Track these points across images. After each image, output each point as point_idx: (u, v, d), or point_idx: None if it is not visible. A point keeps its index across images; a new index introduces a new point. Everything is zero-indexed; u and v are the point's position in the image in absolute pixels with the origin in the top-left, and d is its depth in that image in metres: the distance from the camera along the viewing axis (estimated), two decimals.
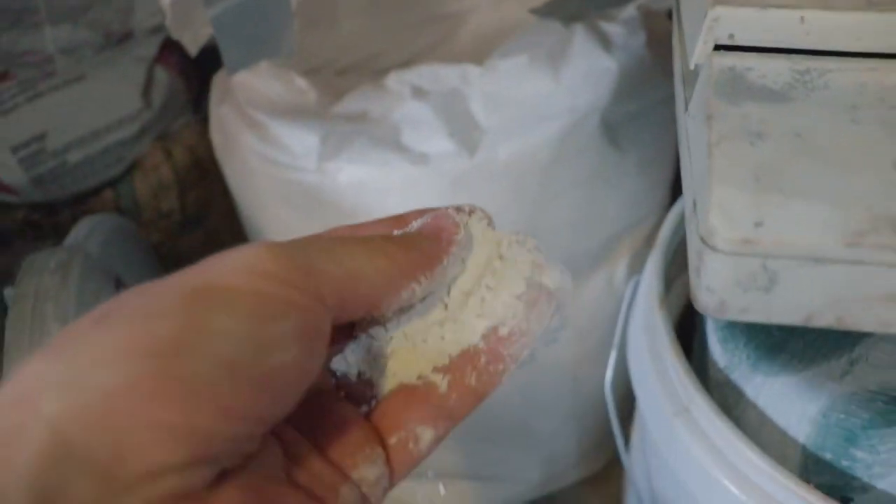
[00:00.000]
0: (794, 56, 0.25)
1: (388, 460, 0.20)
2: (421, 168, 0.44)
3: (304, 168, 0.45)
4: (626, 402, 0.49)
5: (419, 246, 0.20)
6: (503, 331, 0.20)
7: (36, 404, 0.15)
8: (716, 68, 0.24)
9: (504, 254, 0.22)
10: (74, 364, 0.15)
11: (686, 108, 0.26)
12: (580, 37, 0.45)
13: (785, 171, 0.21)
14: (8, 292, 0.45)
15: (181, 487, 0.15)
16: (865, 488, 0.36)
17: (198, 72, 0.71)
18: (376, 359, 0.21)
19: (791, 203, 0.21)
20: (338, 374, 0.21)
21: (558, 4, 0.45)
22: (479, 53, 0.48)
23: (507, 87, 0.44)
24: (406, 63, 0.49)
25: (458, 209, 0.22)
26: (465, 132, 0.44)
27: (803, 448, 0.37)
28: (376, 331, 0.21)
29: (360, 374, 0.21)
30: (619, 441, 0.47)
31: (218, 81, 0.52)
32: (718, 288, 0.21)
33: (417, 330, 0.21)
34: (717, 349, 0.40)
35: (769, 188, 0.21)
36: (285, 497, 0.17)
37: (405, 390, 0.21)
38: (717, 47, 0.25)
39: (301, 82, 0.46)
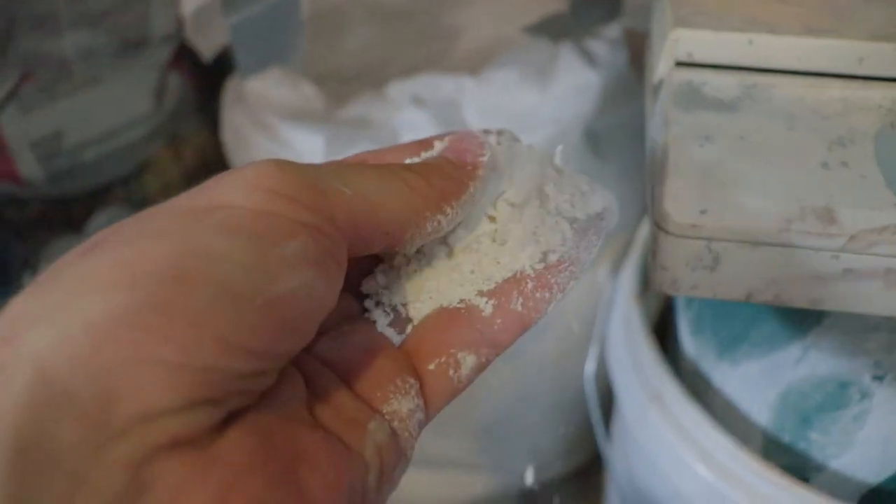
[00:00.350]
0: (743, 72, 0.28)
1: (423, 391, 0.18)
2: None
3: None
4: (606, 396, 0.52)
5: (442, 171, 0.18)
6: (553, 258, 0.19)
7: (19, 342, 0.13)
8: (675, 82, 0.28)
9: (553, 177, 0.20)
10: (59, 295, 0.14)
11: (651, 117, 0.30)
12: (567, 53, 0.48)
13: (728, 168, 0.25)
14: (28, 280, 0.48)
15: (180, 432, 0.13)
16: (821, 468, 0.39)
17: (209, 78, 0.75)
18: (411, 280, 0.19)
19: (732, 194, 0.24)
20: (369, 296, 0.20)
21: (548, 23, 0.49)
22: (475, 66, 0.52)
23: (498, 98, 0.48)
24: (407, 73, 0.53)
25: (486, 131, 0.21)
26: None
27: (764, 431, 0.40)
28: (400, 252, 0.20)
29: (391, 298, 0.20)
30: (600, 429, 0.50)
31: (230, 86, 0.56)
32: (671, 266, 0.25)
33: (460, 251, 0.20)
34: (688, 340, 0.43)
35: (714, 181, 0.24)
36: (302, 439, 0.15)
37: (445, 313, 0.19)
38: (678, 63, 0.29)
39: (309, 88, 0.50)
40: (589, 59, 0.49)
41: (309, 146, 0.49)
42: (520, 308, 0.19)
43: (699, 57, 0.29)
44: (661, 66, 0.30)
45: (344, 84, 0.59)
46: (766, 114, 0.27)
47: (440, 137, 0.21)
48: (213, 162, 0.73)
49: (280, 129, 0.49)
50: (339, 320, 0.19)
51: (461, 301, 0.19)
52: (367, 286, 0.20)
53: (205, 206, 0.15)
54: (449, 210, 0.18)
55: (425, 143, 0.20)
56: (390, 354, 0.19)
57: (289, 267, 0.15)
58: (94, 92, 0.72)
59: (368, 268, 0.20)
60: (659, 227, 0.24)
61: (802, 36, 0.28)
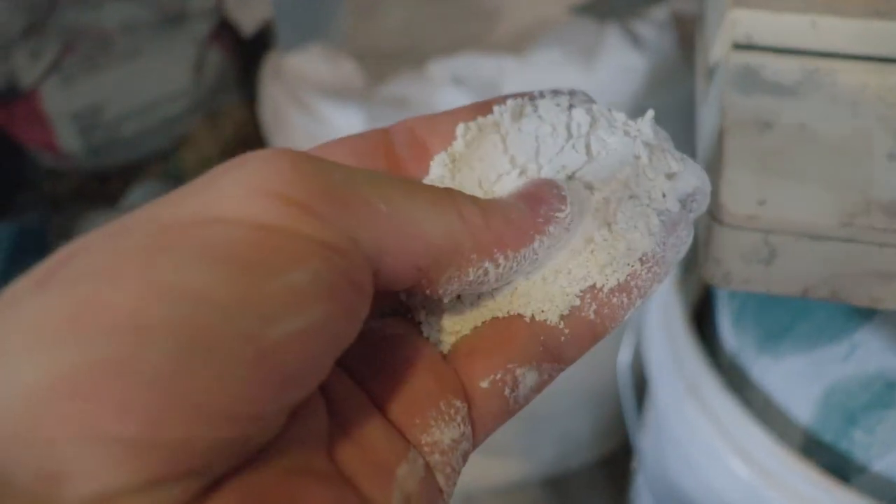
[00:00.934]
0: (804, 56, 0.27)
1: (471, 414, 0.15)
2: None
3: None
4: (639, 385, 0.51)
5: (506, 214, 0.15)
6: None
7: None
8: (732, 65, 0.27)
9: (639, 167, 0.17)
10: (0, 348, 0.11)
11: (705, 100, 0.29)
12: (612, 35, 0.47)
13: (789, 157, 0.24)
14: None
15: None
16: (863, 469, 0.38)
17: (247, 53, 0.75)
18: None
19: (793, 185, 0.23)
20: (406, 303, 0.17)
21: (594, 4, 0.47)
22: (516, 46, 0.51)
23: (541, 80, 0.47)
24: (448, 51, 0.52)
25: (556, 92, 0.18)
26: None
27: (805, 429, 0.39)
28: None
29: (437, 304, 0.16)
30: (632, 419, 0.50)
31: (269, 62, 0.56)
32: (724, 259, 0.24)
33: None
34: (728, 331, 0.42)
35: (773, 171, 0.23)
36: (307, 499, 0.12)
37: (503, 320, 0.16)
38: (735, 46, 0.28)
39: (349, 66, 0.49)
40: (635, 40, 0.48)
41: (347, 123, 0.48)
42: (592, 316, 0.16)
43: (758, 39, 0.28)
44: (717, 48, 0.28)
45: (384, 61, 0.58)
46: (828, 100, 0.26)
47: (501, 100, 0.18)
48: (252, 137, 0.73)
49: (318, 105, 0.49)
50: (381, 320, 0.16)
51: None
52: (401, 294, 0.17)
53: (189, 220, 0.12)
54: (502, 260, 0.15)
55: (483, 107, 0.18)
56: (435, 368, 0.15)
57: (293, 303, 0.12)
58: (134, 65, 0.72)
59: None
60: (713, 217, 0.23)
61: (869, 18, 0.27)
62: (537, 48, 0.48)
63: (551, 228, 0.16)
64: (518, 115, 0.18)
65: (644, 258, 0.16)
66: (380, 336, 0.16)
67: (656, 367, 0.44)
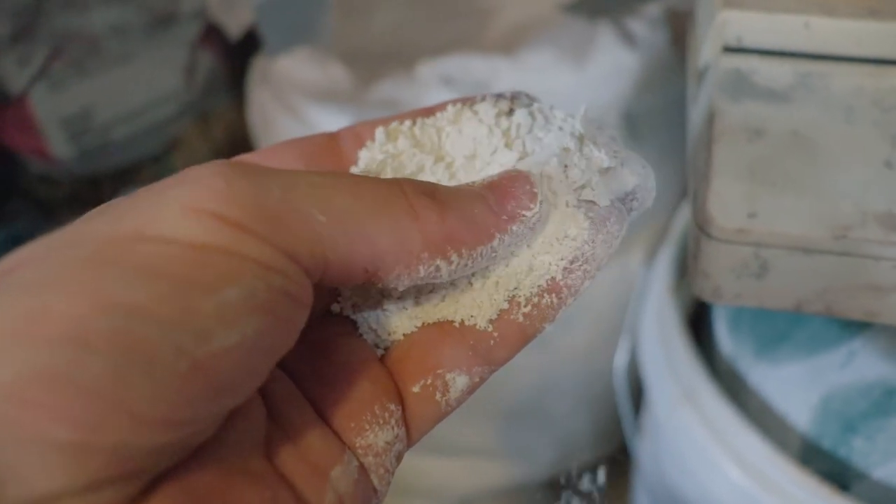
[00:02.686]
0: (797, 59, 0.26)
1: (405, 415, 0.16)
2: None
3: None
4: (636, 388, 0.51)
5: (466, 208, 0.15)
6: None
7: None
8: (722, 68, 0.26)
9: (565, 159, 0.17)
10: None
11: (695, 104, 0.28)
12: (605, 33, 0.46)
13: (780, 167, 0.23)
14: None
15: None
16: (862, 476, 0.37)
17: (239, 54, 0.74)
18: (392, 291, 0.16)
19: (784, 196, 0.22)
20: (344, 310, 0.17)
21: (586, 2, 0.46)
22: (508, 45, 0.50)
23: (532, 79, 0.46)
24: (439, 51, 0.51)
25: (499, 96, 0.18)
26: None
27: (803, 436, 0.38)
28: None
29: (371, 309, 0.17)
30: (629, 424, 0.49)
31: (257, 65, 0.55)
32: (714, 273, 0.23)
33: None
34: (724, 337, 0.41)
35: (764, 181, 0.22)
36: (243, 499, 0.13)
37: (433, 327, 0.16)
38: (726, 49, 0.27)
39: (336, 68, 0.49)
40: (627, 39, 0.47)
41: (335, 127, 0.47)
42: (521, 319, 0.16)
43: (749, 41, 0.27)
44: (706, 51, 0.27)
45: (374, 62, 0.57)
46: (822, 105, 0.25)
47: (442, 106, 0.18)
48: (243, 140, 0.73)
49: (306, 109, 0.48)
50: (320, 325, 0.17)
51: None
52: (336, 306, 0.17)
53: (130, 236, 0.12)
54: (455, 258, 0.15)
55: (427, 112, 0.18)
56: (370, 373, 0.16)
57: (226, 320, 0.12)
58: (124, 69, 0.72)
59: None
60: (702, 230, 0.22)
61: (863, 19, 0.26)
62: (528, 48, 0.47)
63: (515, 227, 0.15)
64: (457, 118, 0.18)
65: (574, 257, 0.16)
66: (320, 338, 0.16)
67: (652, 373, 0.43)
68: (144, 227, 0.13)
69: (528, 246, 0.16)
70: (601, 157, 0.17)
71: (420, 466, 0.64)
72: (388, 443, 0.15)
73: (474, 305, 0.16)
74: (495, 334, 0.16)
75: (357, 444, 0.15)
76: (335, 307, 0.17)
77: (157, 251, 0.12)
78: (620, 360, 0.49)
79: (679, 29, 0.48)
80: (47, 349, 0.11)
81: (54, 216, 0.71)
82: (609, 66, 0.46)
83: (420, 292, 0.17)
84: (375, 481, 0.15)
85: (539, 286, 0.16)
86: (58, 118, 0.69)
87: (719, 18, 0.27)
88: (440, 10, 0.59)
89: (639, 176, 0.17)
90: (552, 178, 0.17)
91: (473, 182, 0.16)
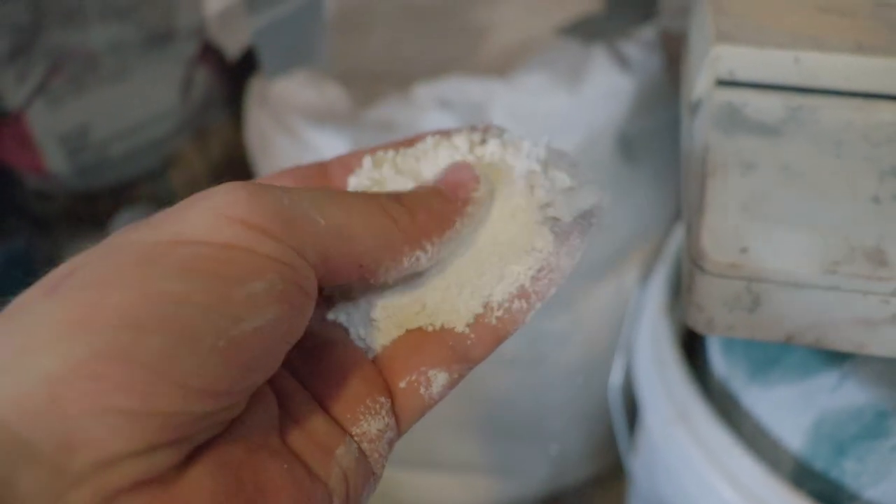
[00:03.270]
0: (788, 93, 0.27)
1: (394, 408, 0.18)
2: None
3: None
4: (632, 406, 0.51)
5: (429, 205, 0.18)
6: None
7: None
8: (716, 102, 0.27)
9: (532, 180, 0.19)
10: (19, 344, 0.14)
11: (689, 136, 0.29)
12: (599, 56, 0.47)
13: (771, 201, 0.23)
14: None
15: (142, 474, 0.14)
16: (854, 498, 0.38)
17: (236, 72, 0.74)
18: (379, 299, 0.19)
19: (775, 231, 0.23)
20: (338, 319, 0.19)
21: (580, 24, 0.47)
22: (505, 66, 0.51)
23: (527, 102, 0.46)
24: (435, 72, 0.52)
25: (473, 128, 0.21)
26: None
27: (795, 458, 0.38)
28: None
29: (362, 314, 0.19)
30: (623, 443, 0.49)
31: (255, 85, 0.55)
32: (707, 306, 0.23)
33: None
34: (718, 359, 0.42)
35: (756, 216, 0.23)
36: (267, 472, 0.16)
37: (417, 332, 0.19)
38: (719, 82, 0.27)
39: (334, 90, 0.49)
40: (622, 62, 0.48)
41: (333, 149, 0.48)
42: (494, 322, 0.19)
43: (741, 75, 0.27)
44: (700, 84, 0.28)
45: (370, 83, 0.58)
46: (812, 139, 0.25)
47: (422, 137, 0.21)
48: (240, 157, 0.73)
49: (303, 131, 0.48)
50: (318, 330, 0.19)
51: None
52: (334, 314, 0.20)
53: (168, 241, 0.15)
54: (429, 247, 0.18)
55: (409, 142, 0.21)
56: (362, 372, 0.18)
57: (253, 306, 0.15)
58: (121, 85, 0.72)
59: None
60: (695, 264, 0.23)
61: (853, 54, 0.26)
62: (523, 70, 0.48)
63: (469, 209, 0.19)
64: (435, 148, 0.21)
65: (541, 267, 0.19)
66: (318, 344, 0.19)
67: (646, 393, 0.43)
68: (182, 232, 0.15)
69: (502, 256, 0.19)
70: (563, 179, 0.20)
71: (415, 482, 0.64)
72: (380, 430, 0.18)
73: (452, 311, 0.19)
74: (472, 336, 0.19)
75: (353, 432, 0.17)
76: (330, 315, 0.20)
77: (194, 252, 0.15)
78: (615, 378, 0.49)
79: (673, 52, 0.49)
80: (110, 332, 0.14)
81: (51, 232, 0.71)
82: (603, 88, 0.47)
83: (404, 299, 0.19)
84: (372, 464, 0.18)
85: (510, 293, 0.19)
86: (55, 134, 0.70)
87: (713, 53, 0.27)
88: (435, 30, 0.59)
89: (595, 196, 0.20)
90: (520, 197, 0.19)
91: (426, 181, 0.19)
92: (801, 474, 0.38)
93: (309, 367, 0.18)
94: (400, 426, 0.19)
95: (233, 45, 0.53)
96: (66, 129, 0.71)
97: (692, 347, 0.46)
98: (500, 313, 0.19)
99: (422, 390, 0.18)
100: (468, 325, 0.19)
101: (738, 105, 0.27)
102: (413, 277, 0.19)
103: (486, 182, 0.19)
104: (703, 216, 0.23)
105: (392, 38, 0.60)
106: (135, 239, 0.15)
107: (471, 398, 0.57)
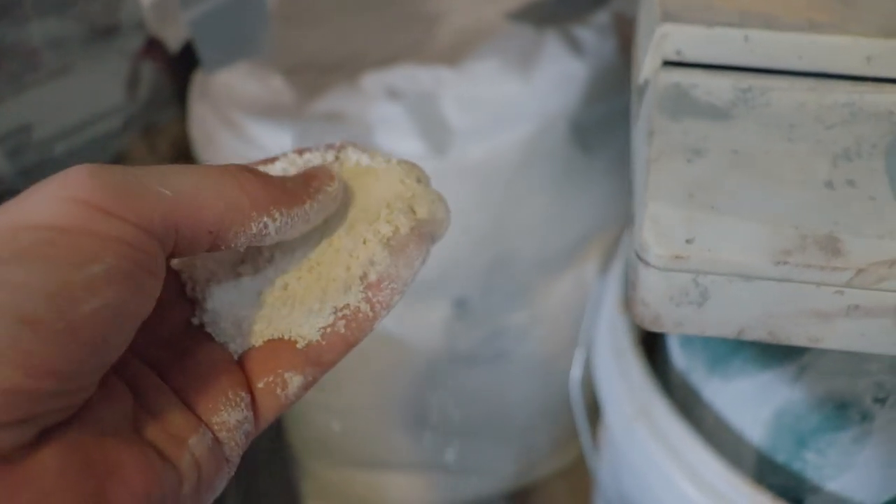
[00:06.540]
0: (738, 73, 0.25)
1: (253, 405, 0.20)
2: None
3: None
4: (594, 400, 0.50)
5: (282, 181, 0.19)
6: (372, 278, 0.20)
7: None
8: (661, 84, 0.25)
9: (373, 192, 0.21)
10: None
11: (636, 123, 0.27)
12: (552, 41, 0.45)
13: (719, 188, 0.22)
14: None
15: None
16: (816, 490, 0.37)
17: (184, 66, 0.72)
18: (243, 309, 0.21)
19: (723, 220, 0.21)
20: (204, 323, 0.21)
21: (532, 9, 0.45)
22: (458, 53, 0.49)
23: (478, 89, 0.45)
24: (387, 62, 0.50)
25: (329, 146, 0.22)
26: (436, 133, 0.45)
27: (757, 450, 0.38)
28: (239, 279, 0.21)
29: (229, 317, 0.21)
30: (586, 439, 0.48)
31: (197, 79, 0.53)
32: (653, 302, 0.22)
33: (291, 276, 0.21)
34: (677, 352, 0.41)
35: (702, 205, 0.22)
36: (116, 454, 0.16)
37: (274, 341, 0.21)
38: (665, 63, 0.26)
39: (277, 81, 0.47)
40: (575, 46, 0.46)
41: (276, 143, 0.46)
42: (343, 330, 0.20)
43: (689, 55, 0.26)
44: (646, 66, 0.27)
45: (321, 74, 0.56)
46: (762, 122, 0.24)
47: (306, 150, 0.22)
48: (190, 153, 0.70)
49: (246, 125, 0.46)
50: (184, 332, 0.20)
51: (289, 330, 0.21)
52: (199, 316, 0.21)
53: (10, 227, 0.16)
54: (277, 216, 0.19)
55: (269, 161, 0.22)
56: (226, 369, 0.20)
57: (91, 289, 0.15)
58: (64, 82, 0.69)
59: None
60: (639, 257, 0.21)
61: (804, 32, 0.25)
62: (474, 57, 0.46)
63: (321, 196, 0.20)
64: (293, 164, 0.22)
65: (380, 278, 0.20)
66: (183, 345, 0.20)
67: (606, 388, 0.42)
68: (24, 217, 0.16)
69: (347, 269, 0.20)
70: (407, 190, 0.21)
71: (379, 482, 0.62)
72: (238, 421, 0.19)
73: (305, 323, 0.20)
74: (323, 343, 0.20)
75: (213, 422, 0.19)
76: (195, 320, 0.21)
77: (35, 237, 0.15)
78: (576, 373, 0.48)
79: (628, 36, 0.48)
80: None
81: None
82: (556, 74, 0.45)
83: (263, 310, 0.21)
84: (227, 452, 0.19)
85: (353, 303, 0.20)
86: None
87: (659, 32, 0.26)
88: (386, 19, 0.57)
89: (434, 205, 0.21)
90: (362, 209, 0.21)
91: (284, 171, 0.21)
92: (763, 467, 0.37)
93: (175, 365, 0.19)
94: (258, 422, 0.20)
95: (173, 38, 0.51)
96: (6, 129, 0.68)
97: (653, 340, 0.44)
98: (346, 322, 0.20)
99: (278, 391, 0.20)
100: (320, 332, 0.20)
101: (685, 87, 0.25)
102: (270, 290, 0.21)
103: (340, 183, 0.21)
104: (646, 207, 0.21)
105: (341, 28, 0.58)
106: None
107: (431, 397, 0.56)
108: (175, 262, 0.21)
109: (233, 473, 0.19)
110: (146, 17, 0.47)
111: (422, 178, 0.22)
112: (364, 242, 0.20)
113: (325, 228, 0.21)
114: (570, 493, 0.65)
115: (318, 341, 0.20)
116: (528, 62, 0.45)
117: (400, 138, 0.45)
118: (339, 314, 0.20)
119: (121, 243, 0.16)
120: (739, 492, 0.35)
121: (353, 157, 0.22)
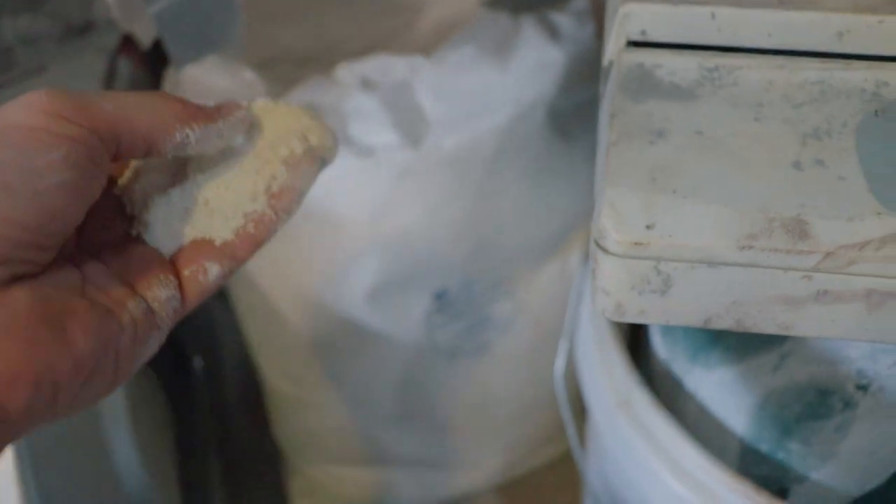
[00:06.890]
0: (704, 53, 0.24)
1: (181, 289, 0.25)
2: (367, 160, 0.44)
3: None
4: (579, 392, 0.49)
5: (200, 106, 0.24)
6: (274, 189, 0.26)
7: None
8: (625, 65, 0.24)
9: (275, 126, 0.26)
10: None
11: (601, 106, 0.26)
12: (528, 28, 0.44)
13: (682, 171, 0.21)
14: None
15: None
16: (801, 479, 0.36)
17: (162, 62, 0.71)
18: (173, 219, 0.26)
19: (685, 204, 0.20)
20: (141, 233, 0.26)
21: None
22: (434, 44, 0.48)
23: (454, 78, 0.44)
24: (364, 53, 0.49)
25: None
26: (411, 124, 0.44)
27: (741, 440, 0.37)
28: (169, 197, 0.26)
29: (158, 231, 0.26)
30: (571, 431, 0.47)
31: (169, 74, 0.52)
32: (614, 290, 0.21)
33: (210, 191, 0.26)
34: (658, 341, 0.40)
35: (664, 189, 0.21)
36: (72, 302, 0.21)
37: (197, 241, 0.26)
38: (629, 43, 0.25)
39: (249, 75, 0.46)
40: (552, 33, 0.45)
41: None
42: (252, 230, 0.26)
43: (654, 35, 0.25)
44: (610, 46, 0.26)
45: (298, 67, 0.55)
46: (729, 102, 0.23)
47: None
48: None
49: None
50: (125, 240, 0.25)
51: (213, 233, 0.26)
52: (137, 228, 0.26)
53: None
54: (196, 127, 0.24)
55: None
56: (158, 261, 0.25)
57: (52, 168, 0.20)
58: (40, 81, 0.68)
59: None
60: (598, 245, 0.20)
61: (773, 8, 0.24)
62: (449, 46, 0.45)
63: (230, 118, 0.25)
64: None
65: (282, 189, 0.26)
66: (124, 249, 0.25)
67: (589, 380, 0.41)
68: (2, 119, 0.20)
69: (254, 184, 0.26)
70: (301, 122, 0.27)
71: (366, 479, 0.62)
72: (168, 297, 0.24)
73: (222, 226, 0.26)
74: (237, 241, 0.26)
75: (147, 296, 0.24)
76: (133, 232, 0.26)
77: (11, 132, 0.20)
78: (559, 364, 0.47)
79: (604, 21, 0.47)
80: None
81: None
82: (533, 61, 0.44)
83: (188, 217, 0.26)
84: (159, 321, 0.24)
85: (259, 209, 0.26)
86: None
87: (622, 11, 0.25)
88: (364, 10, 0.56)
89: (324, 134, 0.27)
90: (264, 137, 0.26)
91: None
92: (747, 457, 0.37)
93: (116, 259, 0.25)
94: (185, 301, 0.25)
95: (143, 33, 0.50)
96: None
97: (636, 331, 0.44)
98: (254, 223, 0.26)
99: (200, 277, 0.25)
100: (234, 232, 0.26)
101: (649, 67, 0.24)
102: (194, 205, 0.26)
103: (247, 113, 0.26)
104: (605, 192, 0.20)
105: (319, 21, 0.57)
106: None
107: (415, 391, 0.55)
108: (117, 188, 0.26)
109: (163, 340, 0.24)
110: (113, 13, 0.46)
111: (314, 117, 0.27)
112: (267, 163, 0.26)
113: (239, 156, 0.26)
114: (558, 486, 0.64)
115: (232, 240, 0.26)
116: (505, 49, 0.44)
117: (374, 129, 0.44)
118: (250, 218, 0.26)
119: (74, 140, 0.21)
120: (723, 484, 0.34)
121: (261, 103, 0.27)
